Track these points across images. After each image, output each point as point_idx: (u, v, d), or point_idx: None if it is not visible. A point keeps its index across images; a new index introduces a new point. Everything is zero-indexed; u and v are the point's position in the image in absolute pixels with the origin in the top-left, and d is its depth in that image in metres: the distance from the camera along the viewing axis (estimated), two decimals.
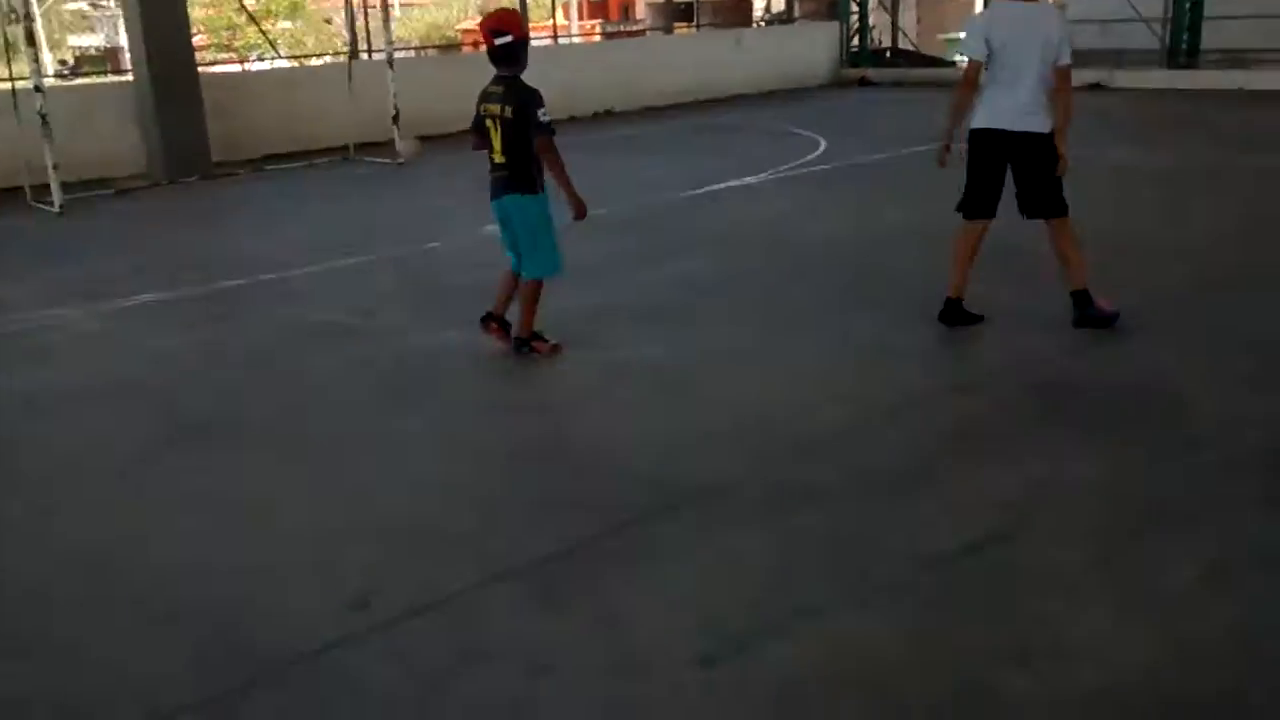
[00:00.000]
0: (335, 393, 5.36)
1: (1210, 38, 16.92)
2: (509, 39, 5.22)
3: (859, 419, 4.63)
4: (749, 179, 10.67)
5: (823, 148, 12.51)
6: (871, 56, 21.37)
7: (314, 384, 5.50)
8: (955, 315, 5.72)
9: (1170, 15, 17.01)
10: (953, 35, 26.80)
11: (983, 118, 5.52)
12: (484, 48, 5.34)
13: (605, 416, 4.87)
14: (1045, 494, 3.87)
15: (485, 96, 5.37)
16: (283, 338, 6.33)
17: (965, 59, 5.64)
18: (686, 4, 26.47)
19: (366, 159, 13.24)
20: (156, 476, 4.46)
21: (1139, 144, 12.04)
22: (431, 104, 14.12)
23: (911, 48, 22.57)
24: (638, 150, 13.68)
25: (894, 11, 22.37)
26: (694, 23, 23.48)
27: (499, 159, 5.37)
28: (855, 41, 21.19)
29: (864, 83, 19.89)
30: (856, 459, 4.27)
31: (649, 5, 43.33)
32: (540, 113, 5.15)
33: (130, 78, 13.51)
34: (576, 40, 29.17)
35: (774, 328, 6.05)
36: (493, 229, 5.78)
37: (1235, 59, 16.90)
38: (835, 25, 21.11)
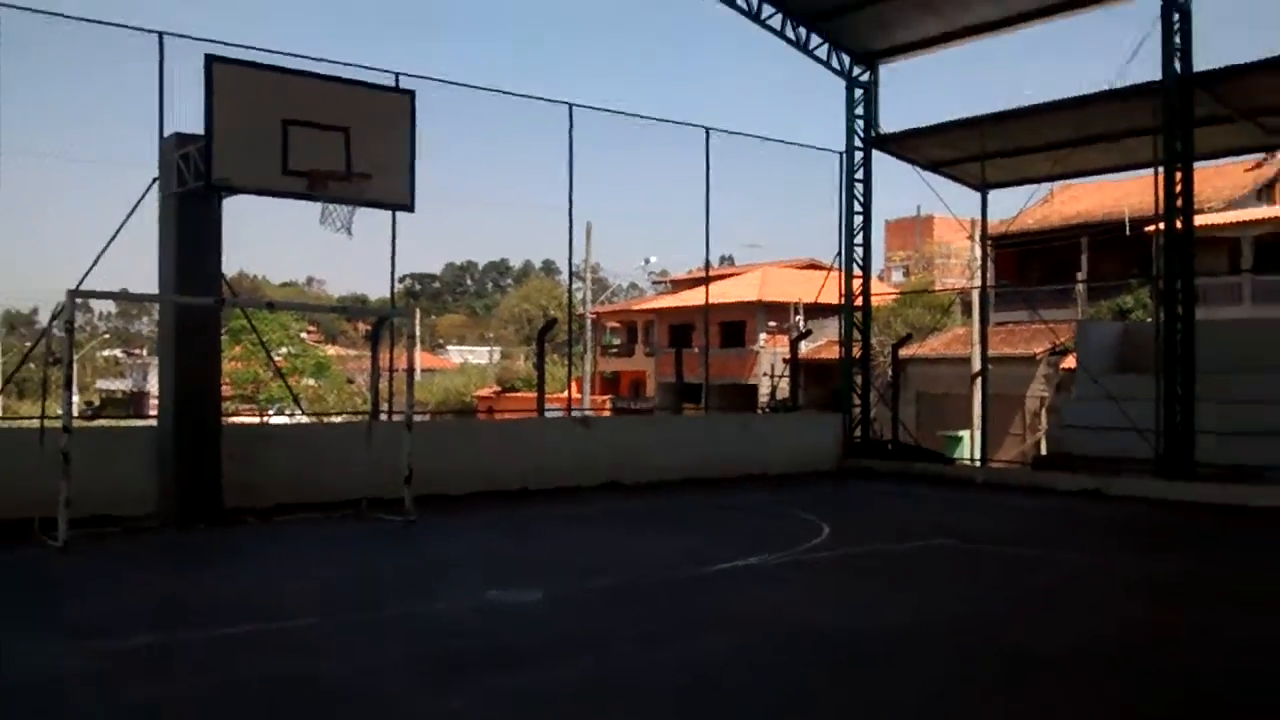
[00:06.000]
0: None
1: (1213, 451, 17.40)
2: None
3: None
4: (752, 559, 10.70)
5: (825, 534, 12.62)
6: (873, 447, 22.01)
7: None
8: None
9: (1160, 425, 17.64)
10: (951, 433, 27.79)
11: None
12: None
13: None
14: None
15: None
16: (270, 693, 6.13)
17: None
18: (695, 386, 27.68)
19: (378, 515, 13.36)
20: None
21: (1138, 553, 12.15)
22: (444, 465, 14.50)
23: (912, 442, 23.30)
24: (643, 525, 13.81)
25: (895, 406, 23.28)
26: (703, 404, 24.41)
27: None
28: (858, 432, 21.92)
29: (866, 473, 20.34)
30: None
31: (660, 384, 45.33)
32: None
33: (154, 422, 13.97)
34: (589, 413, 30.21)
35: None
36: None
37: (1235, 473, 17.28)
38: (838, 416, 21.91)
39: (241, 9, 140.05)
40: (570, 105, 18.13)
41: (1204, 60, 17.59)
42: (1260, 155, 33.40)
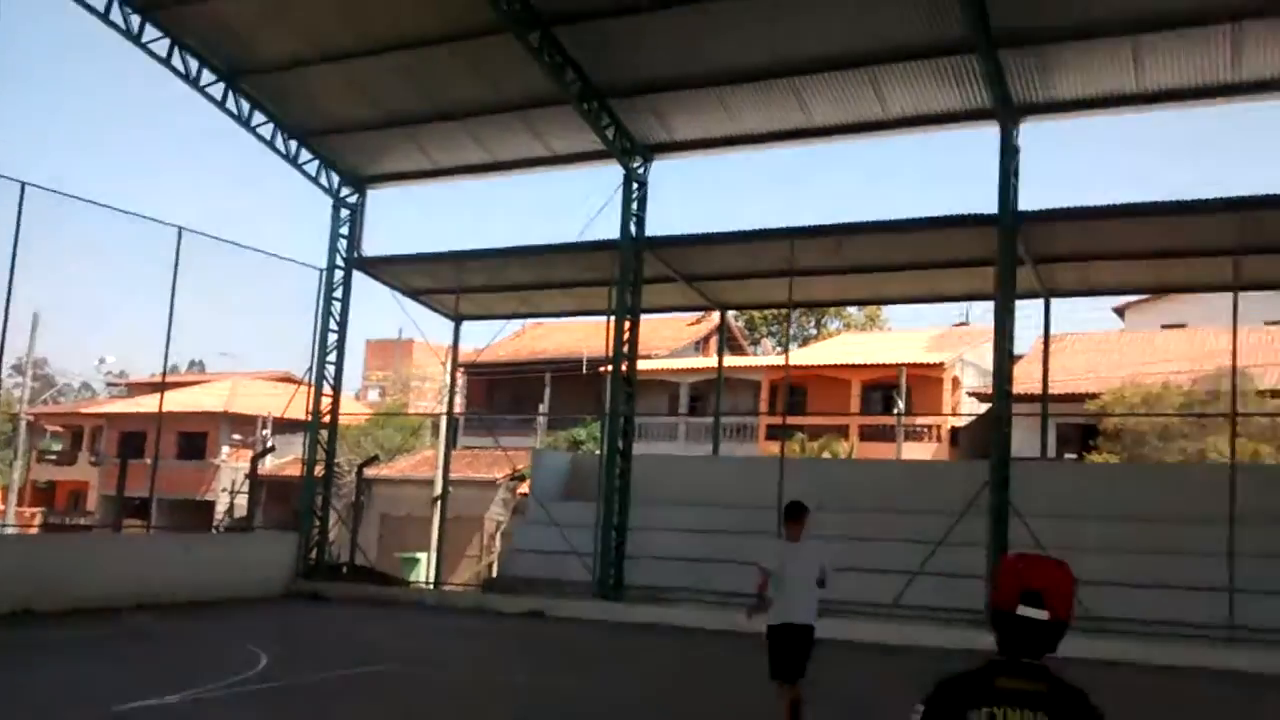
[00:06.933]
0: None
1: (637, 573, 18.95)
2: (1044, 617, 2.89)
3: None
4: (170, 698, 9.87)
5: (262, 664, 12.02)
6: (329, 570, 21.52)
7: None
8: None
9: (599, 550, 18.99)
10: (409, 555, 27.92)
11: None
12: None
13: None
14: None
15: (990, 695, 2.83)
16: None
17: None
18: (143, 500, 25.51)
19: None
20: None
21: (573, 674, 12.85)
22: None
23: (367, 564, 23.08)
24: (54, 657, 12.31)
25: (354, 527, 23.01)
26: (148, 522, 22.55)
27: None
28: (314, 554, 21.33)
29: (318, 597, 19.76)
30: None
31: (103, 498, 41.25)
32: None
33: None
34: (10, 530, 26.67)
35: None
36: None
37: (656, 595, 18.93)
38: (294, 536, 21.20)
39: None
40: (23, 184, 16.40)
41: (658, 228, 19.90)
42: (699, 314, 37.91)
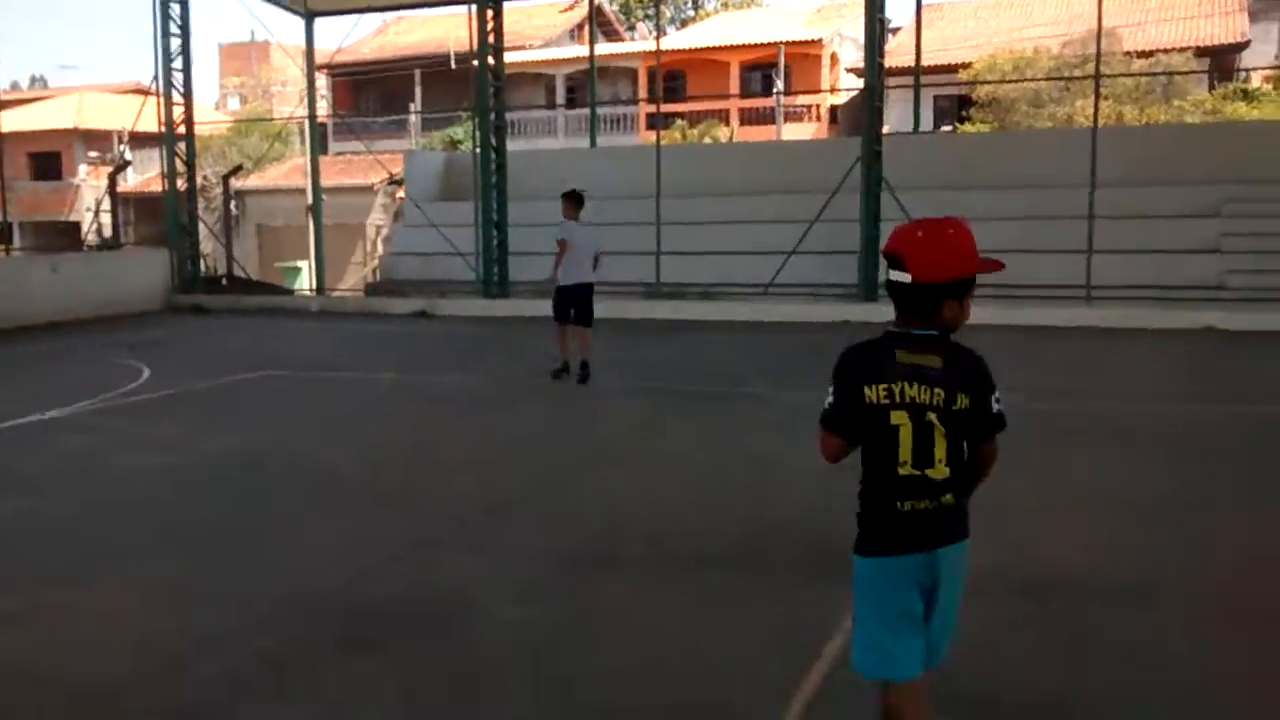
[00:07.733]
0: None
1: (522, 269, 18.96)
2: (906, 279, 2.87)
3: None
4: (54, 412, 9.80)
5: (145, 376, 11.94)
6: (207, 283, 21.15)
7: None
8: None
9: (480, 249, 18.91)
10: (289, 264, 27.53)
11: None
12: None
13: None
14: None
15: (888, 370, 2.88)
16: None
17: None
18: (4, 224, 24.38)
19: None
20: None
21: (456, 369, 13.07)
22: None
23: (246, 275, 22.73)
24: None
25: (227, 239, 22.46)
26: (6, 245, 21.64)
27: (939, 474, 2.90)
28: (190, 267, 20.89)
29: (198, 310, 19.47)
30: None
31: None
32: (995, 399, 2.94)
33: None
34: None
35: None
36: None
37: (541, 289, 19.02)
38: (165, 252, 20.64)
39: None
40: None
41: None
42: None
